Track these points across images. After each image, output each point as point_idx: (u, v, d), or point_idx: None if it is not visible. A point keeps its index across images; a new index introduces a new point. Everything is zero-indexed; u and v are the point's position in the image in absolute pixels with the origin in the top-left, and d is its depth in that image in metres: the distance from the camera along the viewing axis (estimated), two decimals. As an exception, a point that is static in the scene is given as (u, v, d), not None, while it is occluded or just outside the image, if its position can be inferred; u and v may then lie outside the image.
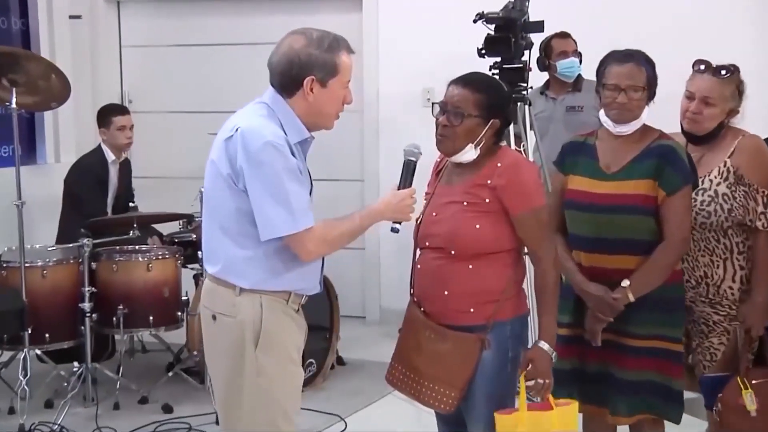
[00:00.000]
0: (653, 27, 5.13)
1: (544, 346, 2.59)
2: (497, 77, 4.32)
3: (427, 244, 2.69)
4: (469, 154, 2.61)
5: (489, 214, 2.57)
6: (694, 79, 2.98)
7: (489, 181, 2.58)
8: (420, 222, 2.73)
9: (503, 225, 2.58)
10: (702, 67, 2.97)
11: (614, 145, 2.87)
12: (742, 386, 2.90)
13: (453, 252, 2.59)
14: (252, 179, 2.38)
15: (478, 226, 2.56)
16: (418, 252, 2.76)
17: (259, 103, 2.53)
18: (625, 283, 2.76)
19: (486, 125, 2.59)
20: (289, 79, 2.47)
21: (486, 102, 2.59)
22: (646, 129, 2.86)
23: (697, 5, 5.18)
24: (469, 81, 2.63)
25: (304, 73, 2.45)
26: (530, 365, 2.58)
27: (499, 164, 2.59)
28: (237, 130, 2.42)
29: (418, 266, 2.73)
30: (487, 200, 2.57)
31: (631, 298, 2.76)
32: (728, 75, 2.94)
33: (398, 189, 2.59)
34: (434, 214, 2.68)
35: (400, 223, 2.58)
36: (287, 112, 2.49)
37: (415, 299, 2.73)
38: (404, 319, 2.77)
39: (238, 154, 2.39)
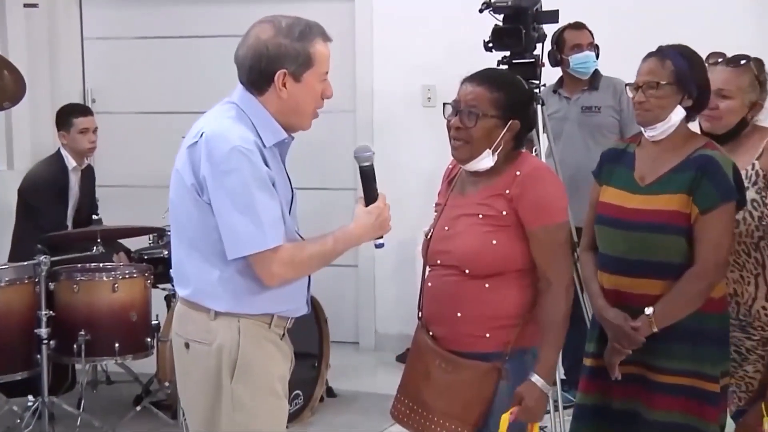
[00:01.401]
0: (683, 17, 5.16)
1: (539, 381, 2.54)
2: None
3: (438, 261, 2.68)
4: (486, 161, 2.61)
5: (507, 228, 2.57)
6: (709, 74, 2.98)
7: (507, 191, 2.58)
8: (430, 237, 2.72)
9: (522, 240, 2.58)
10: (718, 60, 3.00)
11: (653, 154, 2.85)
12: (765, 413, 2.89)
13: (467, 271, 2.58)
14: (216, 190, 2.38)
15: (494, 242, 2.56)
16: (427, 270, 2.75)
17: (227, 103, 2.53)
18: (649, 310, 2.73)
19: (504, 127, 2.60)
20: (258, 74, 2.46)
21: (504, 101, 2.60)
22: (690, 136, 2.85)
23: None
24: (485, 78, 2.64)
25: (274, 67, 2.44)
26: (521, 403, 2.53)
27: (518, 172, 2.59)
28: (201, 135, 2.42)
29: (428, 284, 2.72)
30: (505, 212, 2.57)
31: (654, 329, 2.74)
32: (744, 63, 2.97)
33: (365, 203, 2.57)
34: (446, 228, 2.68)
35: (381, 236, 2.57)
36: (259, 111, 2.48)
37: (424, 323, 2.73)
38: (411, 345, 2.77)
39: (202, 163, 2.39)
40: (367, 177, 2.59)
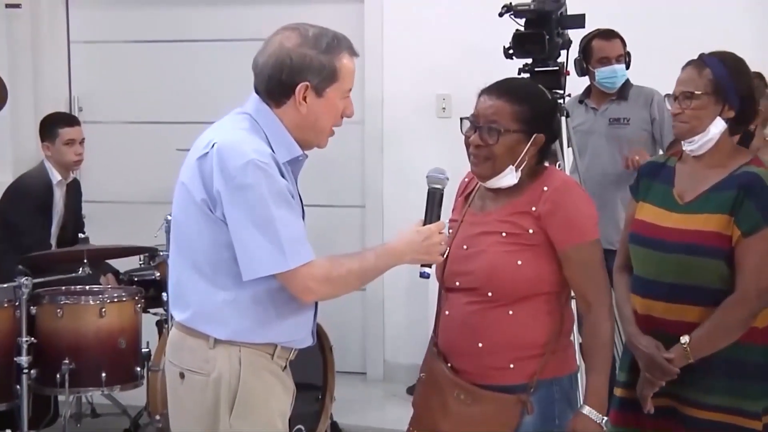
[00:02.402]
0: (724, 20, 5.17)
1: (591, 413, 2.57)
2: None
3: (456, 284, 2.68)
4: (509, 177, 2.62)
5: (533, 248, 2.58)
6: None
7: (533, 208, 2.59)
8: (446, 256, 2.71)
9: (550, 261, 2.58)
10: None
11: (694, 170, 2.87)
12: None
13: (490, 294, 2.58)
14: (232, 206, 2.39)
15: (520, 263, 2.56)
16: (444, 293, 2.75)
17: (240, 113, 2.55)
18: (684, 339, 2.74)
19: (528, 142, 2.61)
20: (277, 84, 2.48)
21: (527, 114, 2.60)
22: (735, 151, 2.86)
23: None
24: (505, 90, 2.64)
25: (296, 78, 2.47)
26: None
27: (545, 188, 2.60)
28: (213, 146, 2.43)
29: (446, 312, 2.72)
30: (531, 231, 2.58)
31: (691, 359, 2.74)
32: None
33: (423, 224, 2.58)
34: (464, 247, 2.68)
35: (430, 266, 2.58)
36: (275, 124, 2.50)
37: (440, 352, 2.72)
38: (425, 375, 2.77)
39: (215, 176, 2.41)
40: (433, 200, 2.61)
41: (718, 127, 2.81)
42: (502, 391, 2.58)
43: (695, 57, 2.89)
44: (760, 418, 2.80)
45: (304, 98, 2.48)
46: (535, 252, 2.57)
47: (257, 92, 2.54)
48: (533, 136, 2.61)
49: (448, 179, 2.64)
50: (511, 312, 2.57)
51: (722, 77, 2.80)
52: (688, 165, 2.90)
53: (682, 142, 2.88)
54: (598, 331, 2.60)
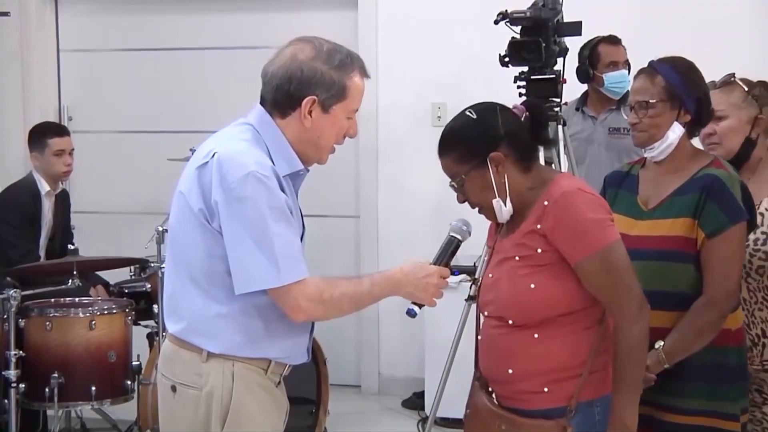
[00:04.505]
0: (722, 26, 5.19)
1: None
2: (524, 89, 4.38)
3: (486, 312, 2.68)
4: (504, 211, 2.60)
5: (545, 268, 2.52)
6: None
7: (538, 226, 2.53)
8: (479, 284, 2.74)
9: (565, 279, 2.52)
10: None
11: (656, 176, 2.91)
12: None
13: (511, 321, 2.56)
14: (229, 218, 2.40)
15: (532, 286, 2.51)
16: (481, 320, 2.74)
17: (243, 123, 2.56)
18: (659, 344, 2.76)
19: (486, 169, 2.56)
20: (285, 95, 2.49)
21: (465, 152, 2.57)
22: (695, 154, 2.90)
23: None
24: (442, 146, 2.63)
25: (304, 91, 2.48)
26: None
27: (546, 202, 2.53)
28: (213, 156, 2.44)
29: (479, 337, 2.72)
30: (540, 250, 2.52)
31: (666, 365, 2.76)
32: (732, 81, 3.06)
33: (431, 264, 2.59)
34: (490, 275, 2.68)
35: (421, 306, 2.58)
36: (277, 136, 2.52)
37: (481, 379, 2.70)
38: (470, 407, 2.74)
39: (214, 186, 2.41)
40: (448, 246, 2.64)
41: (676, 132, 2.85)
42: (541, 415, 2.52)
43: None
44: (738, 419, 2.84)
45: (310, 112, 2.49)
46: (547, 272, 2.52)
47: (263, 102, 2.55)
48: (487, 159, 2.56)
49: (470, 234, 2.66)
50: (536, 336, 2.52)
51: (675, 83, 2.83)
52: (650, 171, 2.94)
53: (643, 150, 2.91)
54: (625, 341, 2.49)
